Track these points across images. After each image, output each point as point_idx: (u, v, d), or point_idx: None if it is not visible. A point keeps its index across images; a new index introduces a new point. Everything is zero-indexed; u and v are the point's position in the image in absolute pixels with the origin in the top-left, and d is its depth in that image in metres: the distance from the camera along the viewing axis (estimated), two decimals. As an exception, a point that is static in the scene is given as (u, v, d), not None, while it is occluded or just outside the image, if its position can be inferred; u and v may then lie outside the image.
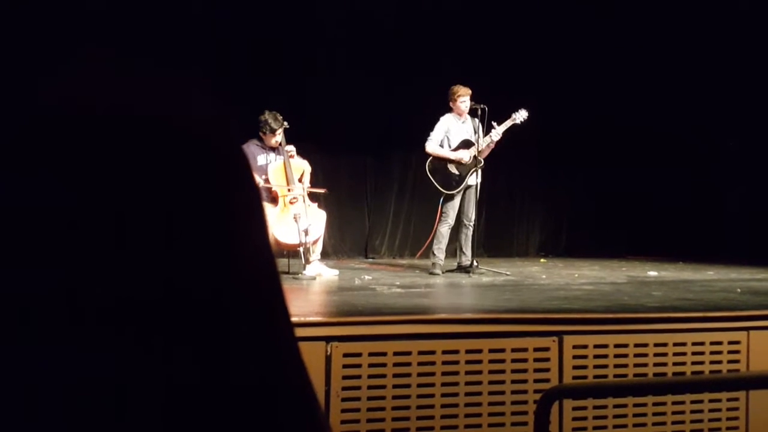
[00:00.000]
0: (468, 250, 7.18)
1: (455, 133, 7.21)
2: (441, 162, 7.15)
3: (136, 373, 0.39)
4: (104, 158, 0.40)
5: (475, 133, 7.17)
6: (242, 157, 0.46)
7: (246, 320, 0.43)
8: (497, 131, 7.09)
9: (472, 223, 7.18)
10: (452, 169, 7.13)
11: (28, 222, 0.38)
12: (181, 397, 0.40)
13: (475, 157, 7.10)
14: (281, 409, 0.44)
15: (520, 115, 7.21)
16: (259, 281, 0.45)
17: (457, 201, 7.14)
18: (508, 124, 7.17)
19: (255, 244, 0.45)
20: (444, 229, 7.14)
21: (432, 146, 7.19)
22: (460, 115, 7.20)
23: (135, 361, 0.39)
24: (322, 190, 7.01)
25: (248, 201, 0.45)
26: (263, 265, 0.46)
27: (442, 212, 7.17)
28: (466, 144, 7.18)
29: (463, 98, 7.12)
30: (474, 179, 7.15)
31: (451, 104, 7.21)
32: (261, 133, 6.76)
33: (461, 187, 7.10)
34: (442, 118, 7.24)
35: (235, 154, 0.45)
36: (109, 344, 0.39)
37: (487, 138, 7.11)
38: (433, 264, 7.13)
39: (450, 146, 7.20)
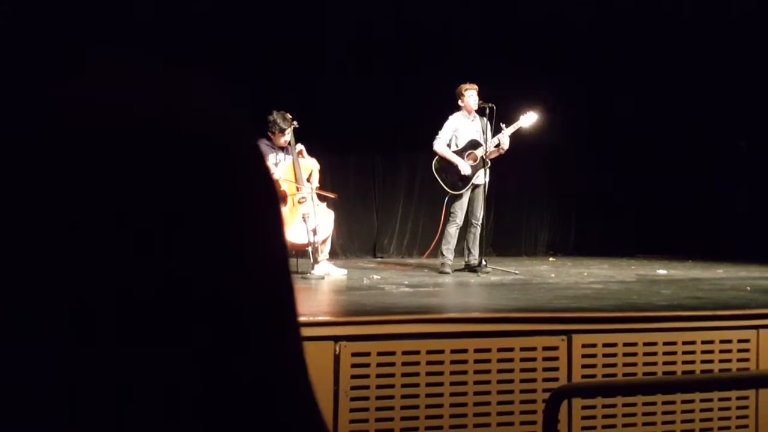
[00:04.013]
0: (475, 249, 7.18)
1: (464, 132, 7.20)
2: (447, 161, 7.15)
3: (138, 373, 0.39)
4: (107, 159, 0.39)
5: (483, 133, 7.16)
6: (254, 157, 0.46)
7: (251, 320, 0.43)
8: (505, 133, 7.09)
9: (479, 223, 7.18)
10: (458, 169, 7.13)
11: (29, 223, 0.38)
12: (182, 397, 0.40)
13: (482, 158, 7.10)
14: (283, 409, 0.44)
15: (528, 118, 7.21)
16: (268, 281, 0.45)
17: (464, 201, 7.13)
18: (515, 126, 7.16)
19: (264, 243, 0.45)
20: (452, 230, 7.13)
21: (439, 145, 7.18)
22: (468, 112, 7.19)
23: (137, 362, 0.39)
24: (332, 196, 6.99)
25: (258, 200, 0.45)
26: (273, 265, 0.45)
27: (449, 212, 7.17)
28: (473, 144, 7.17)
29: (471, 92, 7.11)
30: (481, 178, 7.14)
31: (459, 102, 7.20)
32: (270, 133, 6.77)
33: (467, 187, 7.10)
34: (450, 117, 7.22)
35: (243, 154, 0.45)
36: (110, 345, 0.39)
37: (495, 139, 7.10)
38: (443, 264, 7.13)
39: (458, 145, 7.19)
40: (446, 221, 7.21)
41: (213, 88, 0.46)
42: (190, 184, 0.41)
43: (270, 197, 0.46)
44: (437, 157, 7.19)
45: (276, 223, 0.46)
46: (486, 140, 7.10)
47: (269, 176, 0.46)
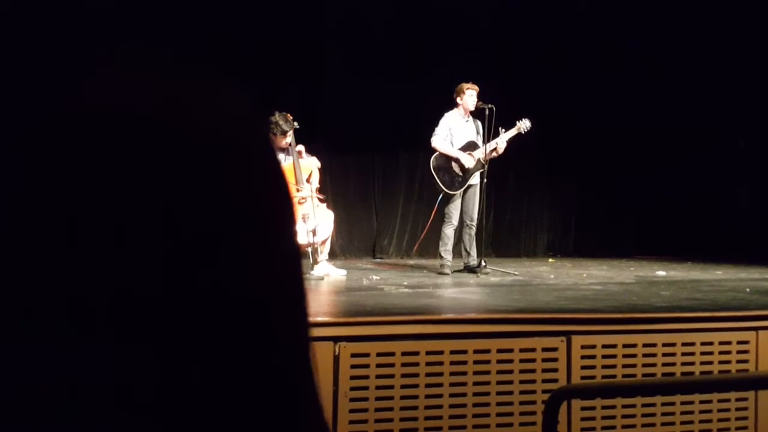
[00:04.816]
0: (472, 250, 7.17)
1: (459, 132, 7.20)
2: (446, 160, 7.14)
3: (139, 373, 0.39)
4: (109, 159, 0.40)
5: (478, 134, 7.18)
6: (263, 155, 0.45)
7: (256, 319, 0.43)
8: (503, 138, 7.11)
9: (474, 223, 7.17)
10: (456, 169, 7.12)
11: (32, 223, 0.38)
12: (185, 397, 0.40)
13: (479, 159, 7.11)
14: (287, 409, 0.44)
15: (524, 125, 7.27)
16: (276, 280, 0.45)
17: (458, 201, 7.13)
18: (513, 132, 7.22)
19: (274, 242, 0.45)
20: (449, 231, 7.13)
21: (438, 141, 7.17)
22: (465, 112, 7.19)
23: (138, 362, 0.39)
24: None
25: (266, 198, 0.45)
26: (283, 264, 0.45)
27: (444, 213, 7.17)
28: (471, 146, 7.17)
29: (471, 92, 7.11)
30: (476, 179, 7.15)
31: (458, 100, 7.19)
32: (271, 135, 6.76)
33: (462, 189, 7.11)
34: (446, 115, 7.21)
35: (250, 153, 0.45)
36: (111, 345, 0.39)
37: (492, 142, 7.11)
38: (442, 265, 7.12)
39: (453, 144, 7.19)
40: (441, 222, 7.21)
41: (219, 85, 0.45)
42: (193, 184, 0.41)
43: (279, 195, 0.46)
44: (435, 154, 7.17)
45: (286, 222, 0.46)
46: (483, 142, 7.11)
47: (280, 174, 0.46)
